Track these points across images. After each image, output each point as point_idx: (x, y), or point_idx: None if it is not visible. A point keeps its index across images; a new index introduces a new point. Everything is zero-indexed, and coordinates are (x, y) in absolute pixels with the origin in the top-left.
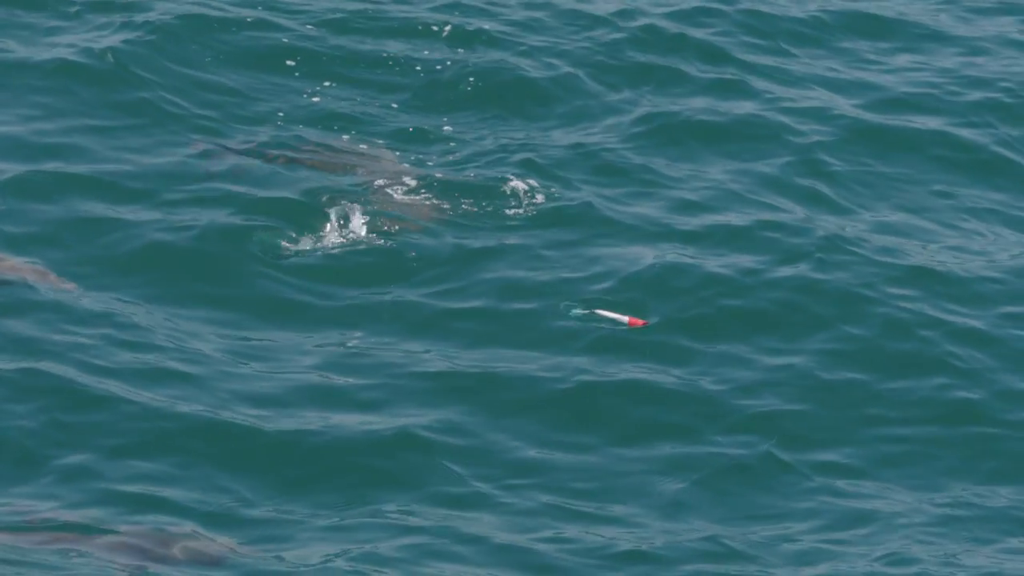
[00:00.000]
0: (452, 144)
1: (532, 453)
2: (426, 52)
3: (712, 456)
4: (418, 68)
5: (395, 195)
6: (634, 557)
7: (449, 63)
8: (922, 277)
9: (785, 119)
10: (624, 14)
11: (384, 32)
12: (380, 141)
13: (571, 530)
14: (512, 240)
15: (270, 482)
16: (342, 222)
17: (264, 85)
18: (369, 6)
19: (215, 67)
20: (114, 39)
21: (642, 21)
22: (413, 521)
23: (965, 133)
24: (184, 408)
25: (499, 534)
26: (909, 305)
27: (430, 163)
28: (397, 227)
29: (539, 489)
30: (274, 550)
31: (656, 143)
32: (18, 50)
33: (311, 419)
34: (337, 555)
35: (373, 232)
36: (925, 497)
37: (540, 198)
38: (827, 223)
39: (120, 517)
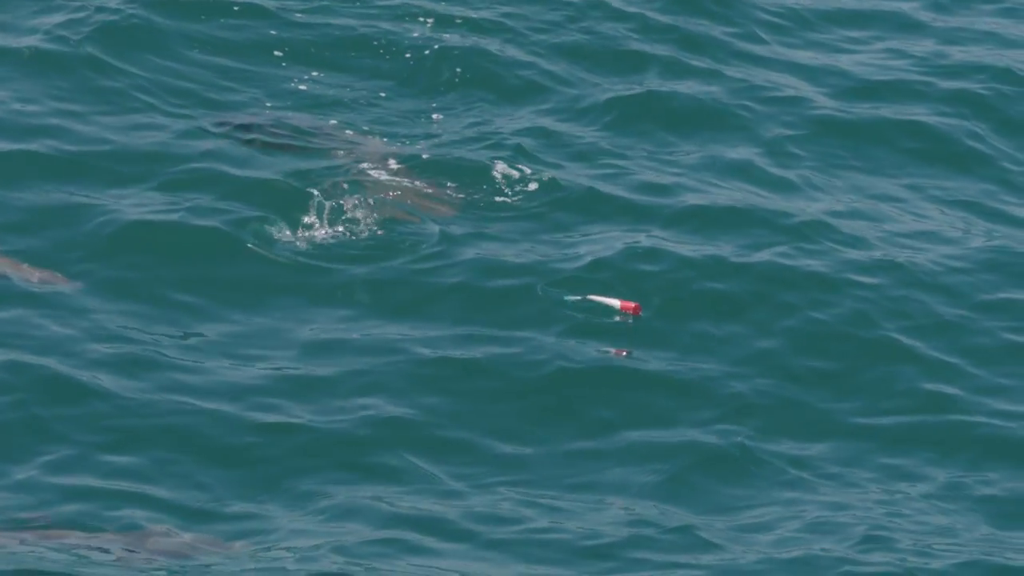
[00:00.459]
0: (435, 128)
1: (507, 441)
2: (410, 37)
3: (685, 445)
4: (402, 53)
5: (379, 179)
6: (609, 548)
7: (433, 48)
8: (893, 267)
9: (758, 106)
10: (599, 4)
11: (368, 17)
12: (365, 127)
13: (543, 520)
14: (493, 223)
15: (248, 475)
16: (324, 206)
17: (248, 70)
18: None
19: (198, 52)
20: (95, 21)
21: (619, 8)
22: (393, 512)
23: (938, 122)
24: (162, 400)
25: (475, 525)
26: (881, 294)
27: (413, 147)
28: (380, 211)
29: (514, 479)
30: (253, 543)
31: (631, 128)
32: None
33: (289, 410)
34: (318, 547)
35: (355, 216)
36: (899, 486)
37: (521, 182)
38: (800, 210)
39: (97, 513)
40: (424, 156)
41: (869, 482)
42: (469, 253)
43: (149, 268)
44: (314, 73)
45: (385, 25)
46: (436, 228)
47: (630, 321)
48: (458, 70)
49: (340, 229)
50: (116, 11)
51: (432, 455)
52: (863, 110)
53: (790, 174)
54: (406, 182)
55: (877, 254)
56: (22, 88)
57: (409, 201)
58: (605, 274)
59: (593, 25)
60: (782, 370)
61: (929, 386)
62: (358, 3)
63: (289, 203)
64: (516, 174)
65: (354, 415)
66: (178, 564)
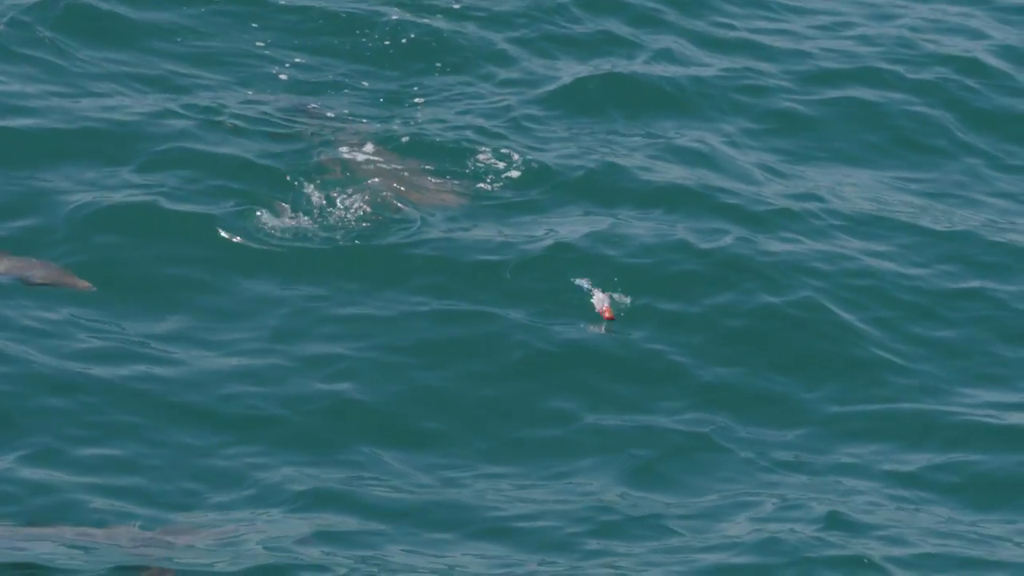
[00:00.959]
0: (410, 111)
1: (476, 429)
2: (388, 20)
3: (652, 432)
4: (377, 37)
5: (354, 162)
6: (576, 535)
7: (409, 32)
8: (857, 254)
9: (724, 91)
10: None
11: (345, 0)
12: (344, 109)
13: (512, 509)
14: (466, 205)
15: (220, 465)
16: (299, 189)
17: (226, 52)
18: None
19: (174, 35)
20: (66, 3)
21: None
22: (365, 502)
23: (903, 111)
24: (132, 389)
25: (447, 513)
26: (844, 283)
27: (388, 130)
28: (354, 194)
29: (484, 467)
30: (225, 533)
31: (599, 110)
32: None
33: (261, 398)
34: (291, 537)
35: (330, 199)
36: (866, 472)
37: (496, 164)
38: (763, 195)
39: (67, 506)
40: (399, 139)
41: (834, 470)
42: (440, 234)
43: (119, 253)
44: (292, 55)
45: (363, 7)
46: (409, 211)
47: (603, 328)
48: (434, 54)
49: (315, 212)
50: None
51: (402, 444)
52: (828, 96)
53: (752, 159)
54: (381, 165)
55: (840, 241)
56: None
57: (384, 184)
58: (571, 255)
59: (568, 6)
60: (748, 357)
61: (894, 374)
62: None
63: (264, 186)
64: (490, 156)
65: (325, 402)
66: (150, 555)
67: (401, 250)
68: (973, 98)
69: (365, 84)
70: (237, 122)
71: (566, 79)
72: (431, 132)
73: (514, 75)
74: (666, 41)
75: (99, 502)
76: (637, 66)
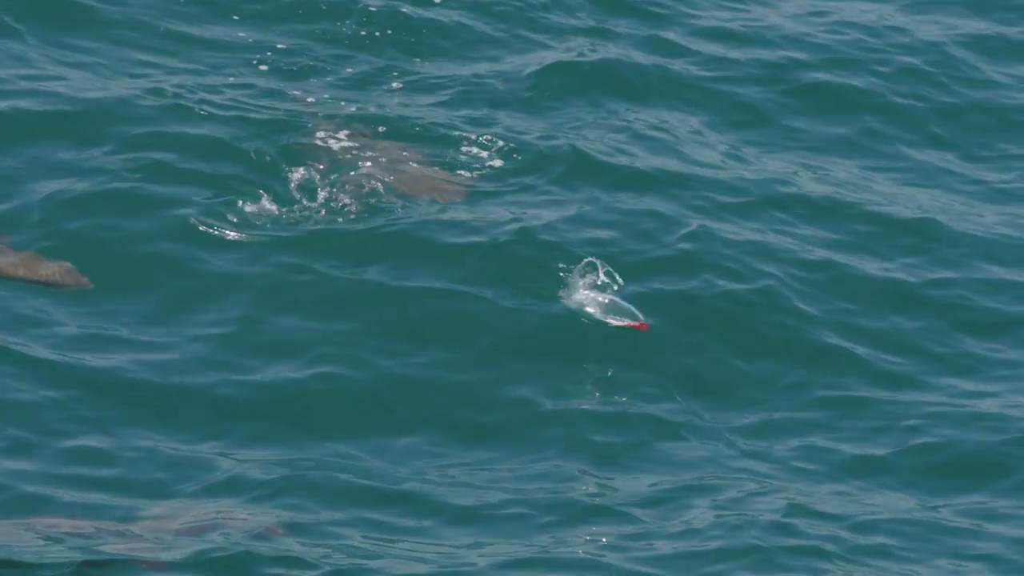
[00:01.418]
0: (389, 95)
1: (448, 413)
2: (366, 5)
3: (620, 418)
4: (357, 21)
5: (333, 145)
6: (546, 523)
7: (389, 16)
8: (827, 242)
9: (697, 73)
10: None
11: None
12: (324, 95)
13: (483, 494)
14: (444, 188)
15: (197, 450)
16: (275, 172)
17: (203, 37)
18: None
19: (151, 20)
20: None
21: None
22: (336, 483)
23: (875, 99)
24: (108, 375)
25: (424, 498)
26: (813, 269)
27: (367, 113)
28: (332, 176)
29: (456, 451)
30: (202, 520)
31: (577, 93)
32: None
33: (234, 384)
34: (266, 523)
35: (308, 181)
36: (827, 459)
37: (476, 146)
38: (737, 178)
39: (46, 497)
40: (375, 124)
41: (795, 457)
42: (414, 218)
43: (91, 238)
44: (269, 40)
45: None
46: (385, 195)
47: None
48: (411, 40)
49: (289, 197)
50: None
51: (371, 431)
52: (795, 86)
53: (719, 147)
54: (357, 150)
55: (804, 230)
56: None
57: (359, 169)
58: (539, 240)
59: None
60: (711, 345)
61: (855, 363)
62: None
63: (239, 170)
64: (465, 142)
65: (295, 390)
66: (133, 543)
67: (374, 234)
68: (940, 89)
69: (342, 70)
70: (212, 107)
71: (539, 66)
72: (407, 117)
73: (490, 61)
74: (639, 29)
75: (70, 494)
76: (609, 53)
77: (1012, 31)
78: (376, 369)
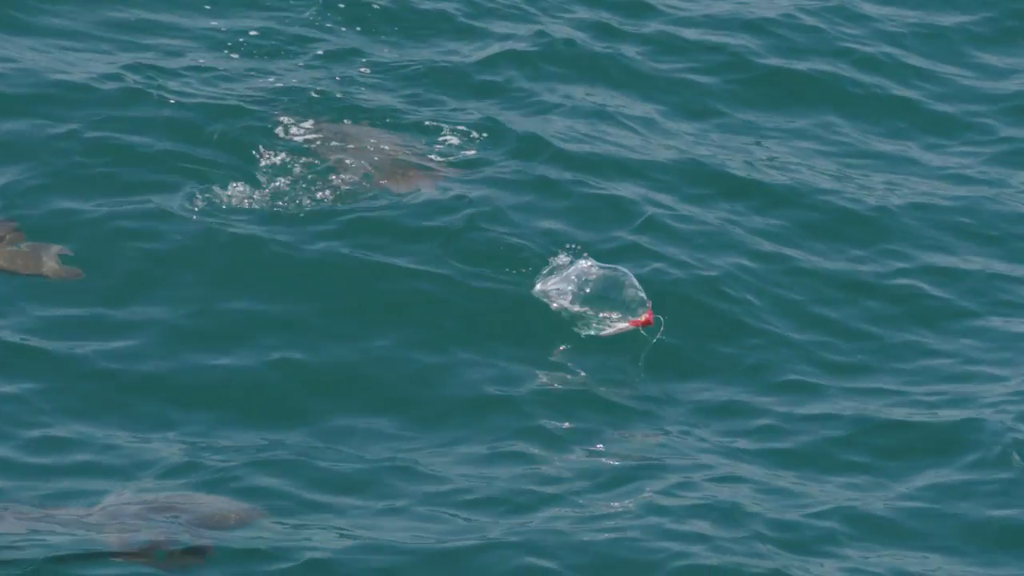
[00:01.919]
0: (357, 79)
1: (413, 392)
2: None
3: (580, 400)
4: (326, 5)
5: (301, 128)
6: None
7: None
8: (791, 227)
9: (665, 56)
10: None
11: None
12: (292, 80)
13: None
14: (411, 170)
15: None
16: (242, 155)
17: (169, 21)
18: None
19: (117, 1)
20: None
21: None
22: (306, 466)
23: (834, 83)
24: (77, 363)
25: (395, 482)
26: (775, 251)
27: (334, 97)
28: (302, 160)
29: (419, 433)
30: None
31: (551, 77)
32: None
33: (206, 367)
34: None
35: (276, 164)
36: (764, 453)
37: (438, 128)
38: (698, 161)
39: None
40: (343, 107)
41: (748, 443)
42: (381, 201)
43: (56, 222)
44: (239, 23)
45: None
46: (353, 177)
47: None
48: (378, 22)
49: (257, 179)
50: None
51: (337, 412)
52: (756, 73)
53: (677, 133)
54: (326, 133)
55: (754, 219)
56: None
57: (328, 152)
58: (500, 221)
59: None
60: (668, 331)
61: (797, 354)
62: None
63: (205, 153)
64: (432, 124)
65: (265, 372)
66: (96, 531)
67: (338, 219)
68: (898, 80)
69: (308, 55)
70: (175, 92)
71: (502, 51)
72: (371, 102)
73: (457, 45)
74: (601, 15)
75: (33, 484)
76: (570, 38)
77: (971, 19)
78: (335, 353)
